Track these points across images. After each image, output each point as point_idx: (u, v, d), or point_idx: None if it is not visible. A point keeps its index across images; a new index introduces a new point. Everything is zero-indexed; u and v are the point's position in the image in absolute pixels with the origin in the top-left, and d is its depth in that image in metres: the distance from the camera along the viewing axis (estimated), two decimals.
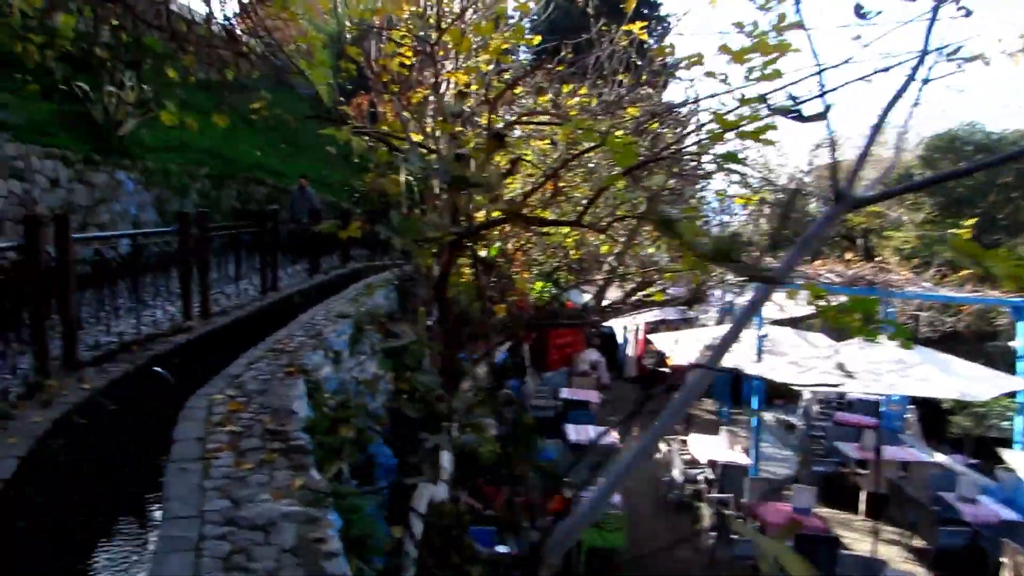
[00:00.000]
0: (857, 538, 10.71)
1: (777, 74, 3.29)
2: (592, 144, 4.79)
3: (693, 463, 12.15)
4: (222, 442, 4.43)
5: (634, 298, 10.21)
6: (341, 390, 8.03)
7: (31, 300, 5.39)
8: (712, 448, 12.27)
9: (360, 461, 6.79)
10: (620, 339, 21.01)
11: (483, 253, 10.03)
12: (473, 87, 7.16)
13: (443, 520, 5.99)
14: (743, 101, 3.23)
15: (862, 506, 11.72)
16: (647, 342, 20.54)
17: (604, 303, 10.37)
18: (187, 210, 14.62)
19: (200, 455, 4.19)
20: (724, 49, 3.25)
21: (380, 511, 7.59)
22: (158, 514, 3.84)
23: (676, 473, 11.97)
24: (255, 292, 10.51)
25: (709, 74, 3.98)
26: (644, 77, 7.68)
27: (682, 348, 13.86)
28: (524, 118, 6.95)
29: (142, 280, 7.16)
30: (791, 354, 10.85)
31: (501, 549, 8.06)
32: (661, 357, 19.99)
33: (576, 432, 12.03)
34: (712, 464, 11.75)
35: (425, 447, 4.50)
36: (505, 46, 7.07)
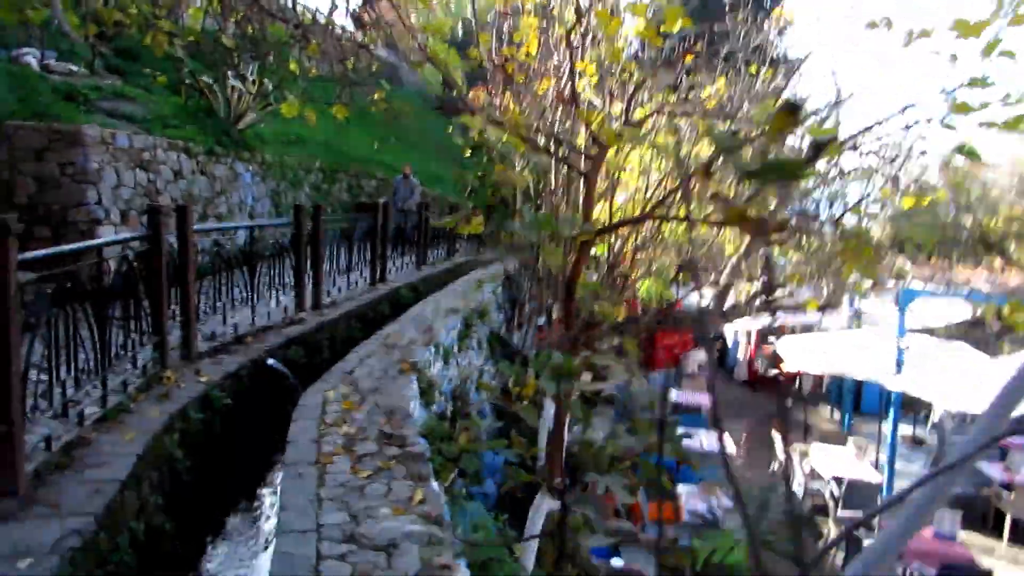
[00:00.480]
0: (1002, 567, 9.59)
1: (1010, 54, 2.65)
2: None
3: (814, 475, 11.24)
4: (337, 445, 4.18)
5: (759, 302, 9.45)
6: (451, 389, 7.77)
7: (153, 291, 5.34)
8: (837, 461, 11.28)
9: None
10: (730, 341, 19.99)
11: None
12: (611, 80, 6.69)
13: (561, 533, 5.59)
14: (974, 83, 2.61)
15: (1007, 532, 10.51)
16: (760, 345, 19.46)
17: (726, 306, 9.68)
18: (300, 202, 14.90)
19: (315, 459, 3.94)
20: (959, 25, 2.62)
21: (489, 513, 7.28)
22: (273, 521, 3.60)
23: (796, 485, 11.10)
24: (364, 284, 10.44)
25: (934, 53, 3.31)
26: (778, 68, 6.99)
27: (808, 355, 12.90)
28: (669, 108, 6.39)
29: (257, 271, 7.12)
30: (935, 367, 9.80)
31: (617, 563, 7.60)
32: (774, 361, 18.91)
33: (688, 439, 11.32)
34: (838, 479, 10.82)
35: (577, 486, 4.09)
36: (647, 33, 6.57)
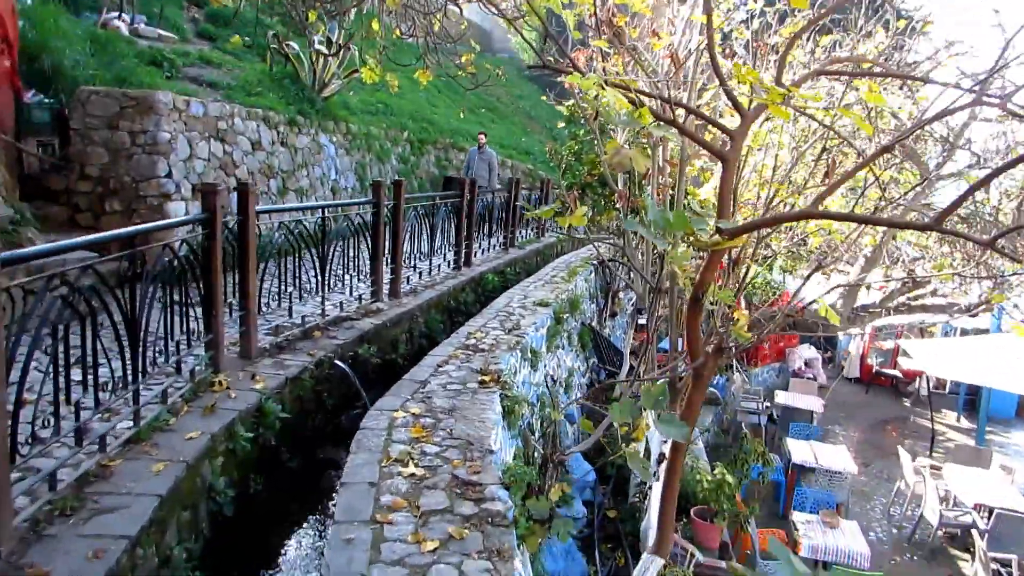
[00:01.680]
0: None
1: None
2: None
3: (949, 500, 9.79)
4: (399, 493, 3.38)
5: (898, 301, 8.12)
6: (539, 395, 6.92)
7: (207, 283, 4.69)
8: (980, 485, 9.71)
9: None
10: (841, 335, 18.29)
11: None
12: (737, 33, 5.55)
13: None
14: None
15: None
16: (874, 339, 17.72)
17: (856, 304, 8.37)
18: (387, 175, 14.28)
19: (371, 515, 3.16)
20: None
21: (576, 543, 6.42)
22: None
23: (929, 512, 9.71)
24: (448, 269, 9.69)
25: None
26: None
27: (940, 359, 11.36)
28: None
29: (330, 255, 6.43)
30: None
31: None
32: (890, 357, 17.15)
33: (798, 450, 10.12)
34: (981, 508, 9.35)
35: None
36: None
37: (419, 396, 4.79)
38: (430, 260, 9.07)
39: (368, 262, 7.40)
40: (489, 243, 11.79)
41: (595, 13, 5.26)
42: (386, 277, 7.78)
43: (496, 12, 4.81)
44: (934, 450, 12.30)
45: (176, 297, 4.37)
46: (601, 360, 10.69)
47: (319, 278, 6.44)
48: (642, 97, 3.18)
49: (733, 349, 3.65)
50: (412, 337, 7.62)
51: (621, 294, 12.59)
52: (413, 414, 4.43)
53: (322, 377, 5.57)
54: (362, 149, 12.90)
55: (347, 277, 7.04)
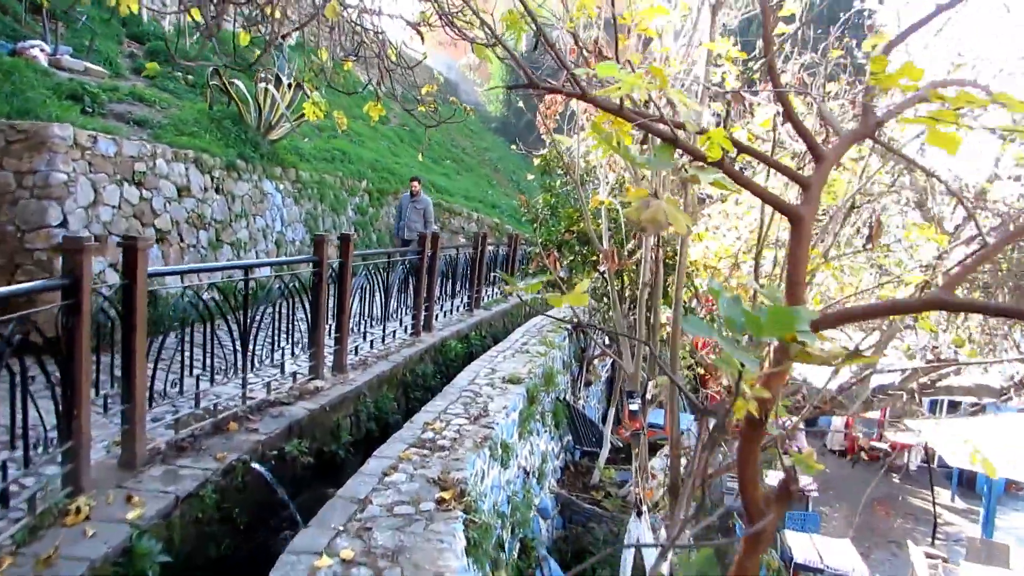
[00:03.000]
0: None
1: None
2: None
3: None
4: None
5: (918, 383, 7.18)
6: (509, 497, 5.70)
7: (65, 371, 3.44)
8: None
9: None
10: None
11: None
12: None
13: None
14: None
15: None
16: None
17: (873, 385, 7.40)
18: (341, 227, 13.10)
19: None
20: None
21: None
22: None
23: None
24: (405, 335, 8.49)
25: None
26: None
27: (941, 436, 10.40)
28: None
29: (255, 324, 5.21)
30: None
31: None
32: (877, 432, 16.25)
33: (800, 546, 8.97)
34: None
35: None
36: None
37: (355, 526, 3.54)
38: (384, 325, 7.87)
39: (307, 331, 6.18)
40: (452, 304, 10.63)
41: (577, 44, 4.20)
42: (329, 348, 6.56)
43: (462, 36, 3.78)
44: (936, 537, 11.25)
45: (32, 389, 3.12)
46: (577, 439, 9.51)
47: (240, 353, 5.19)
48: (657, 128, 2.09)
49: (803, 493, 2.59)
50: (359, 422, 6.37)
51: (596, 361, 11.49)
52: (344, 560, 3.19)
53: (233, 487, 4.29)
54: (314, 199, 11.76)
55: (280, 349, 5.81)
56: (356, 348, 7.15)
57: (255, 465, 4.42)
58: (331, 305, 6.57)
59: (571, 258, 7.72)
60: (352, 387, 6.32)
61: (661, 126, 2.06)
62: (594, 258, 7.86)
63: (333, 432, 5.88)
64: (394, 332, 8.17)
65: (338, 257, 6.56)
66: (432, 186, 17.89)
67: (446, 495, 3.87)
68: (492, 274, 12.84)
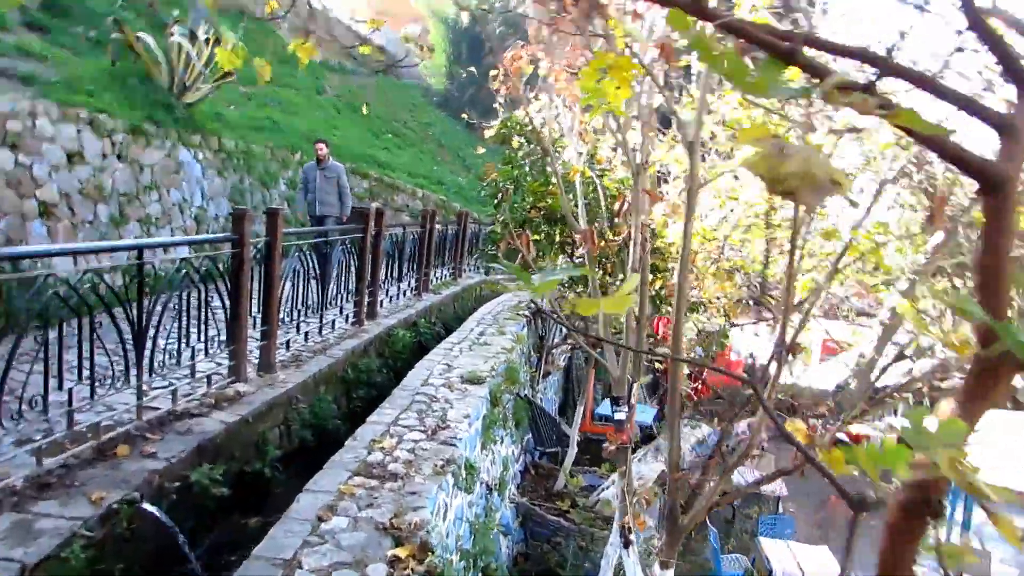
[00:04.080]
0: None
1: None
2: None
3: None
4: None
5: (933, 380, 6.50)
6: (472, 523, 4.76)
7: None
8: None
9: None
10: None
11: None
12: None
13: None
14: None
15: None
16: None
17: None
18: (273, 203, 11.86)
19: None
20: None
21: None
22: None
23: None
24: (346, 324, 7.43)
25: None
26: None
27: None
28: None
29: (154, 319, 4.12)
30: None
31: None
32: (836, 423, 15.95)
33: (777, 555, 8.33)
34: None
35: None
36: None
37: None
38: (321, 315, 6.79)
39: (225, 324, 5.08)
40: (399, 288, 9.58)
41: None
42: (254, 343, 5.48)
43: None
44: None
45: None
46: (539, 440, 8.65)
47: (134, 353, 4.09)
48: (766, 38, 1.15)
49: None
50: (290, 432, 5.33)
51: (556, 350, 10.64)
52: None
53: (114, 539, 3.23)
54: (240, 170, 10.49)
55: (193, 346, 4.71)
56: (288, 343, 6.08)
57: (146, 506, 3.36)
58: (257, 292, 5.49)
59: (537, 238, 6.81)
60: (282, 390, 5.27)
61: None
62: (564, 239, 6.97)
63: (258, 446, 4.84)
64: (333, 322, 7.10)
65: (265, 235, 5.46)
66: (373, 161, 16.68)
67: (402, 552, 2.90)
68: (441, 256, 11.83)
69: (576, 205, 5.63)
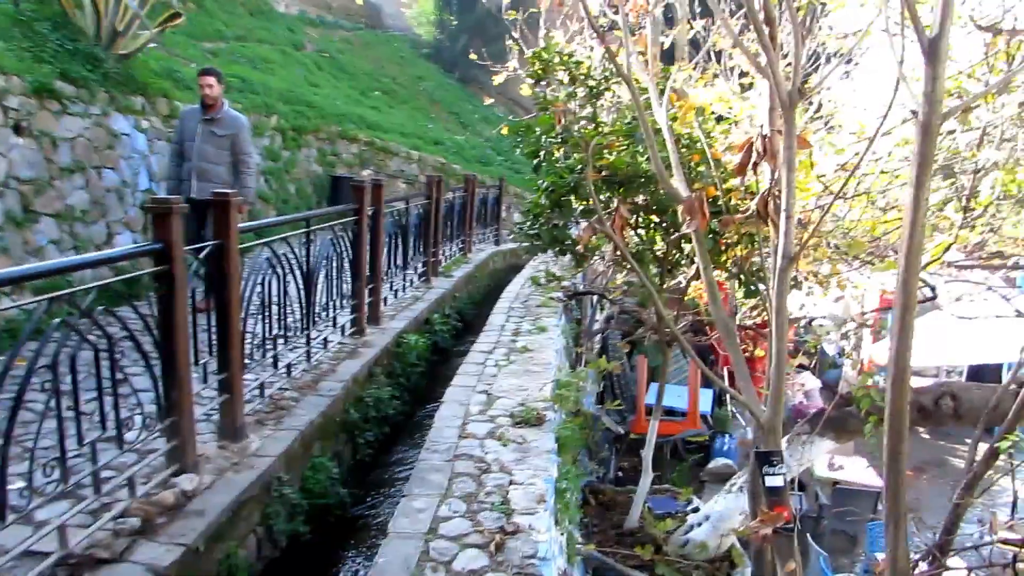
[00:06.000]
0: None
1: None
2: None
3: None
4: None
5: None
6: None
7: None
8: None
9: None
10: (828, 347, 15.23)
11: None
12: None
13: None
14: None
15: None
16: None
17: None
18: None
19: None
20: None
21: None
22: None
23: None
24: (342, 337, 5.63)
25: None
26: None
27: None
28: None
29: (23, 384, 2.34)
30: None
31: None
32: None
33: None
34: None
35: None
36: None
37: None
38: (308, 334, 4.96)
39: (153, 384, 3.23)
40: (404, 278, 7.75)
41: None
42: (210, 400, 3.68)
43: None
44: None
45: None
46: (592, 456, 6.94)
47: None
48: None
49: None
50: (271, 535, 3.57)
51: (610, 349, 8.94)
52: None
53: None
54: None
55: (95, 443, 2.90)
56: (262, 386, 4.26)
57: None
58: (208, 322, 3.67)
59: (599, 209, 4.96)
60: (256, 472, 3.48)
61: None
62: (646, 207, 5.09)
63: None
64: (325, 340, 5.28)
65: (214, 237, 3.60)
66: (362, 121, 14.64)
67: None
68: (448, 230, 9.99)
69: (668, 162, 3.81)
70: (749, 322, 8.24)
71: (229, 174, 6.06)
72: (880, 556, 6.91)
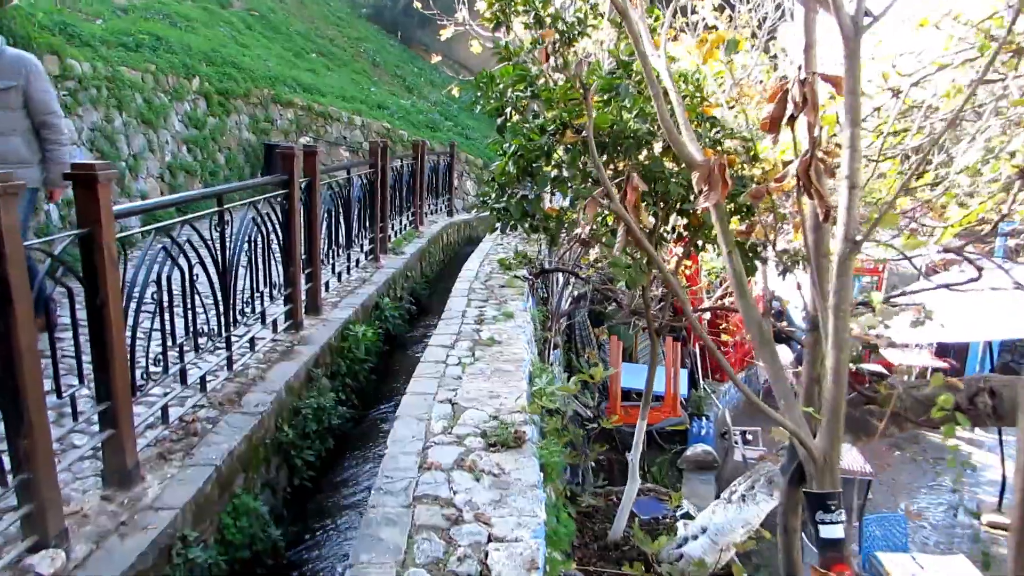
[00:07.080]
0: None
1: None
2: None
3: None
4: None
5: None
6: None
7: None
8: None
9: None
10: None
11: None
12: None
13: None
14: None
15: None
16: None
17: None
18: (161, 149, 8.81)
19: None
20: None
21: None
22: None
23: None
24: (273, 333, 4.74)
25: None
26: None
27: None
28: None
29: None
30: None
31: None
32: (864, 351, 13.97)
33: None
34: None
35: None
36: None
37: None
38: (227, 337, 4.06)
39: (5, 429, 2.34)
40: (348, 259, 6.84)
41: None
42: (74, 453, 2.79)
43: None
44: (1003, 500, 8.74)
45: None
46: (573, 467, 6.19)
47: None
48: None
49: None
50: None
51: (582, 330, 8.19)
52: None
53: None
54: (105, 105, 7.40)
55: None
56: (164, 411, 3.36)
57: None
58: (76, 344, 2.76)
59: (576, 180, 4.14)
60: (145, 543, 2.62)
61: None
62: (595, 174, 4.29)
63: None
64: (252, 340, 4.39)
65: (78, 226, 2.67)
66: (297, 84, 13.46)
67: None
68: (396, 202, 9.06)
69: (674, 116, 3.05)
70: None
71: (27, 147, 4.06)
72: (880, 555, 6.42)
